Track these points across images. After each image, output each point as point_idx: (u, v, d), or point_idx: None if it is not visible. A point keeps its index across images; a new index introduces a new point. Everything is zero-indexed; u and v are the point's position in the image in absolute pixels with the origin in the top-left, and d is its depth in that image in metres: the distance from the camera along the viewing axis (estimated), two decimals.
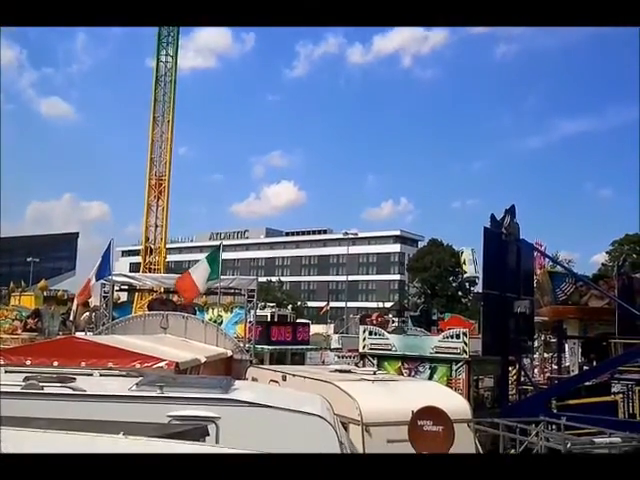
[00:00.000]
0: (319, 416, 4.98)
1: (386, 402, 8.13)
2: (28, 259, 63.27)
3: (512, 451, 11.27)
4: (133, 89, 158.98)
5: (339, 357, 27.24)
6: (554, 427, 12.20)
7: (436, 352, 14.79)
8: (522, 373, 17.85)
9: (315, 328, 35.98)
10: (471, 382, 14.44)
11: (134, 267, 73.16)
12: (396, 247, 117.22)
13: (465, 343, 14.63)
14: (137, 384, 5.24)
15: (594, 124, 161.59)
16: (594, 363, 20.05)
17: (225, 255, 17.42)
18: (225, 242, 43.81)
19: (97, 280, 15.51)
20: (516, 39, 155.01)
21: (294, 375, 9.31)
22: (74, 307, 27.15)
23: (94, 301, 24.61)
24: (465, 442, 7.72)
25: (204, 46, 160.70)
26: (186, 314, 15.51)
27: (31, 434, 3.07)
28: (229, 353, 13.77)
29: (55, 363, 8.06)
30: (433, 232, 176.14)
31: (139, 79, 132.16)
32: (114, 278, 16.37)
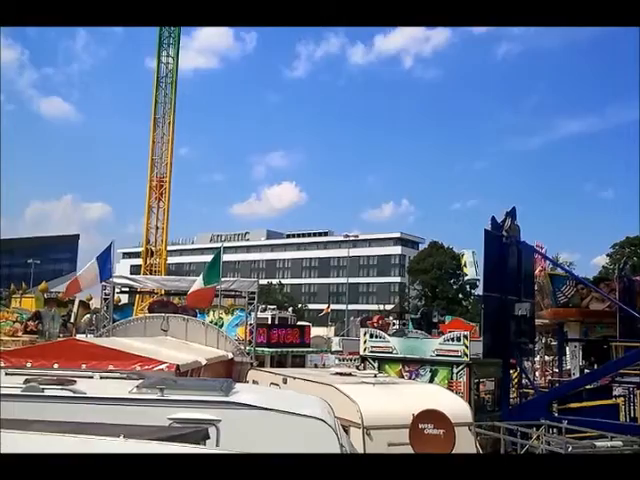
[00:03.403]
0: (320, 419, 4.97)
1: (387, 405, 8.11)
2: (29, 261, 63.27)
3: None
4: (134, 89, 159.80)
5: (340, 360, 27.21)
6: (555, 430, 12.19)
7: (437, 355, 14.75)
8: (523, 376, 17.83)
9: (316, 330, 35.88)
10: (472, 385, 14.39)
11: (135, 269, 73.18)
12: (397, 249, 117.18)
13: (466, 346, 14.60)
14: (137, 386, 5.23)
15: (595, 125, 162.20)
16: (595, 366, 20.01)
17: (226, 257, 17.41)
18: (226, 244, 43.78)
19: (101, 281, 15.47)
20: (517, 39, 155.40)
21: (295, 378, 9.30)
22: (75, 309, 27.19)
23: (95, 303, 24.63)
24: (466, 445, 7.70)
25: (205, 46, 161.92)
26: (187, 316, 15.48)
27: (31, 437, 3.06)
28: (230, 355, 13.74)
29: (55, 365, 8.04)
30: (434, 234, 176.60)
31: (141, 79, 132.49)
32: (115, 280, 16.35)
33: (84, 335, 21.13)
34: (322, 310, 62.01)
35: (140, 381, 5.54)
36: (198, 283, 14.82)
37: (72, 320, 27.13)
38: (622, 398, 14.97)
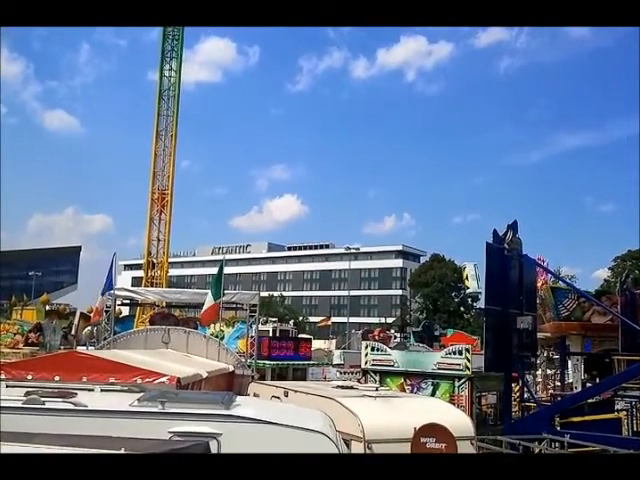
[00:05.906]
0: (321, 433, 4.96)
1: (388, 419, 8.07)
2: (30, 273, 63.24)
3: None
4: (137, 102, 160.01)
5: (341, 373, 27.07)
6: (557, 445, 12.12)
7: (438, 368, 14.70)
8: (525, 389, 17.76)
9: (317, 343, 35.82)
10: (474, 399, 14.34)
11: (136, 281, 73.22)
12: (398, 262, 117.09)
13: (468, 359, 14.55)
14: (138, 399, 5.22)
15: (595, 139, 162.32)
16: (597, 380, 19.93)
17: (227, 269, 17.47)
18: (227, 257, 43.81)
19: (103, 294, 15.57)
20: (518, 53, 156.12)
21: (296, 391, 9.27)
22: (76, 321, 27.15)
23: None
24: None
25: (208, 60, 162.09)
26: (188, 329, 15.47)
27: (32, 449, 3.05)
28: (231, 368, 13.71)
29: (56, 378, 8.03)
30: (435, 247, 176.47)
31: (143, 92, 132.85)
32: (116, 292, 16.37)
33: (85, 347, 21.10)
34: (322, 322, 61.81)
35: (141, 394, 5.53)
36: (209, 301, 14.88)
37: (73, 332, 27.10)
38: (624, 412, 14.91)
